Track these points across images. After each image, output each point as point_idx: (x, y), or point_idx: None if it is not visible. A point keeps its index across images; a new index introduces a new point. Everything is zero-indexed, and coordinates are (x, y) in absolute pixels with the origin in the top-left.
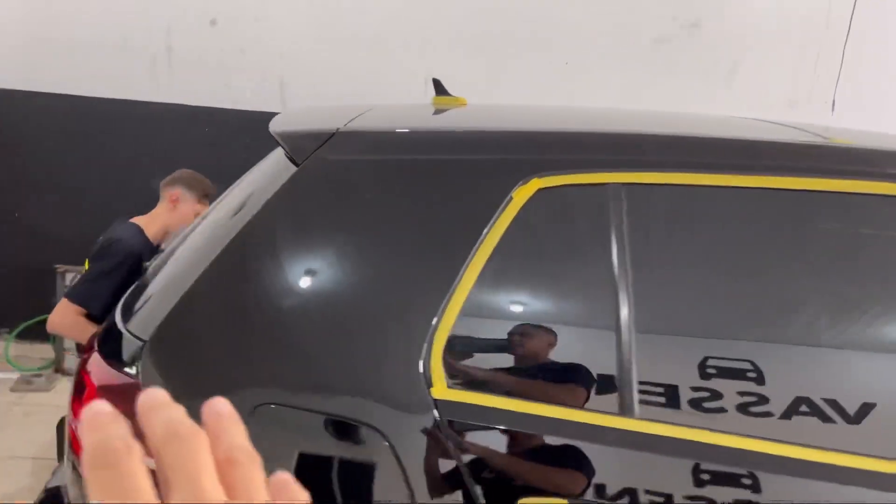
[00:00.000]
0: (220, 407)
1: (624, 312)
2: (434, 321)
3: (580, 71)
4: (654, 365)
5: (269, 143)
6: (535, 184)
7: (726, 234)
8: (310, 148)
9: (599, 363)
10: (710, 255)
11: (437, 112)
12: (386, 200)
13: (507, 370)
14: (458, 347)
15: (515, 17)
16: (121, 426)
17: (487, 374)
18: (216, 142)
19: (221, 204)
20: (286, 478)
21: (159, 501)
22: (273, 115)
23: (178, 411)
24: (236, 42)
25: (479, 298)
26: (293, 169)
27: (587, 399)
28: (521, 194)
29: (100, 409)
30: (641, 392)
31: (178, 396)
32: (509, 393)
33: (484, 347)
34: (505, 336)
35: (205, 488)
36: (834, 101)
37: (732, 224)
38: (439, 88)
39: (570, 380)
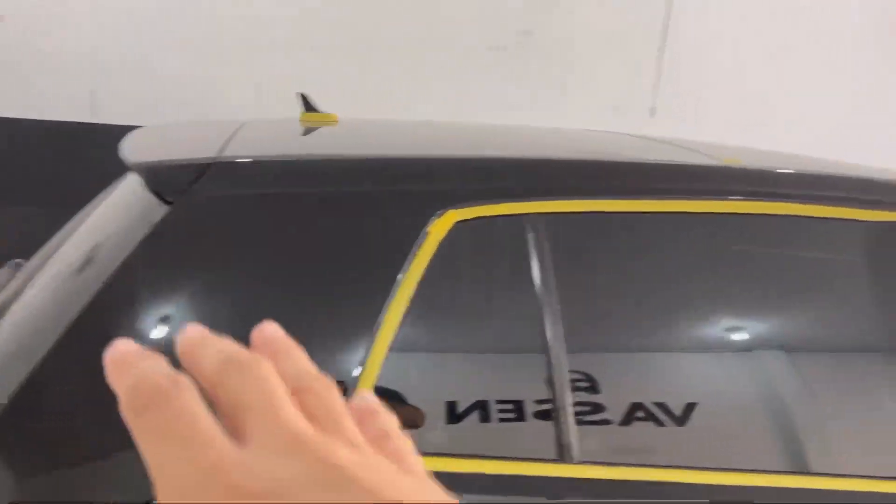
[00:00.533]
0: (272, 331)
1: (556, 347)
2: (356, 373)
3: (417, 79)
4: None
5: (80, 158)
6: (452, 217)
7: (651, 259)
8: (182, 182)
9: (535, 396)
10: (635, 280)
11: (310, 131)
12: (282, 244)
13: (438, 419)
14: (387, 398)
15: (339, 24)
16: (157, 360)
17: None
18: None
19: (62, 252)
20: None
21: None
22: (83, 125)
23: (229, 343)
24: (33, 41)
25: (405, 343)
26: (161, 209)
27: (524, 442)
28: (438, 228)
29: (125, 348)
30: (580, 424)
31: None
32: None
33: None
34: (433, 383)
35: (288, 417)
36: (654, 108)
37: (658, 248)
38: (308, 104)
39: (505, 419)
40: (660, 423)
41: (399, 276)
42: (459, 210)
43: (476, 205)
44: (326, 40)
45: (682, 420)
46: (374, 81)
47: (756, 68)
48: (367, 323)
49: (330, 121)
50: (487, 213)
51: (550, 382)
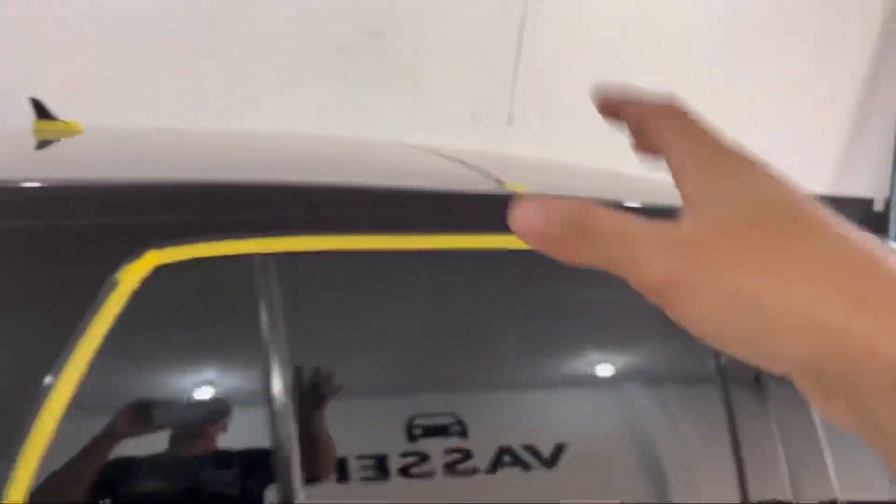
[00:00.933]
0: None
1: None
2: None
3: (263, 81)
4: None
5: None
6: (151, 259)
7: (410, 304)
8: None
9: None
10: (381, 329)
11: (40, 146)
12: None
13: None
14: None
15: (164, 19)
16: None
17: None
18: None
19: None
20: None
21: None
22: None
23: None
24: None
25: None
26: None
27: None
28: (131, 275)
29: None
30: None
31: None
32: None
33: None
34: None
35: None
36: (511, 115)
37: (415, 291)
38: (42, 111)
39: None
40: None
41: (74, 341)
42: (163, 250)
43: (186, 243)
44: (119, 35)
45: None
46: (182, 85)
47: (612, 75)
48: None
49: (70, 131)
50: (201, 254)
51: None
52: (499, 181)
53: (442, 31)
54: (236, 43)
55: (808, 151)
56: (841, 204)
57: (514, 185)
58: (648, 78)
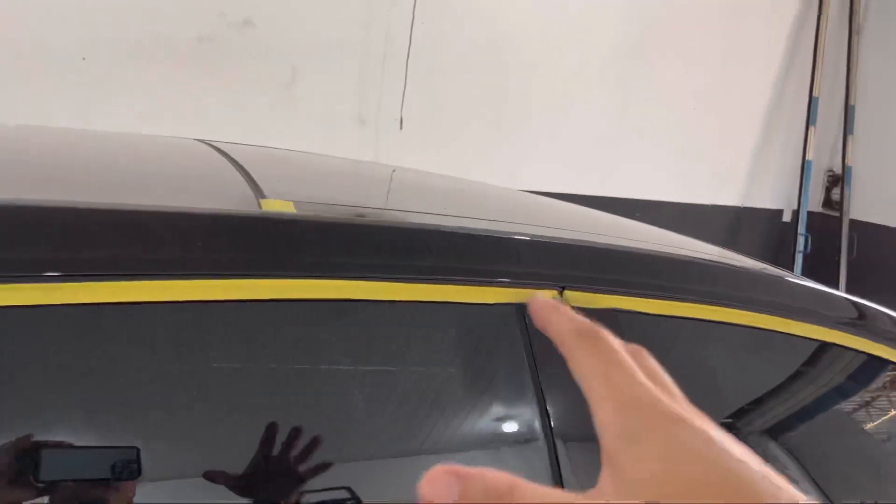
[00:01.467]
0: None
1: None
2: None
3: (101, 72)
4: None
5: None
6: None
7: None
8: None
9: None
10: None
11: None
12: None
13: None
14: None
15: None
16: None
17: None
18: None
19: None
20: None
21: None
22: None
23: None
24: None
25: None
26: None
27: None
28: None
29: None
30: None
31: None
32: None
33: None
34: None
35: (642, 381)
36: (402, 119)
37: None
38: None
39: None
40: None
41: None
42: None
43: None
44: None
45: None
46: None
47: (507, 78)
48: None
49: None
50: None
51: None
52: (257, 193)
53: (322, 22)
54: (73, 31)
55: (716, 162)
56: (749, 215)
57: (272, 201)
58: (546, 79)
